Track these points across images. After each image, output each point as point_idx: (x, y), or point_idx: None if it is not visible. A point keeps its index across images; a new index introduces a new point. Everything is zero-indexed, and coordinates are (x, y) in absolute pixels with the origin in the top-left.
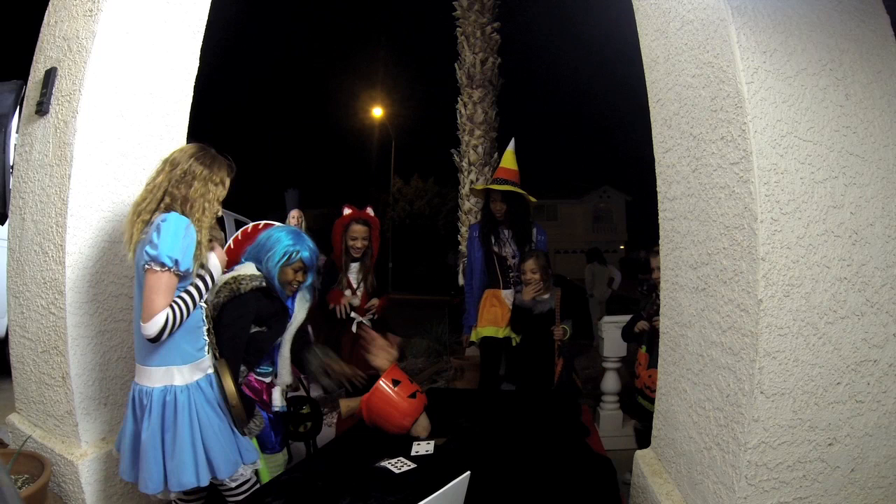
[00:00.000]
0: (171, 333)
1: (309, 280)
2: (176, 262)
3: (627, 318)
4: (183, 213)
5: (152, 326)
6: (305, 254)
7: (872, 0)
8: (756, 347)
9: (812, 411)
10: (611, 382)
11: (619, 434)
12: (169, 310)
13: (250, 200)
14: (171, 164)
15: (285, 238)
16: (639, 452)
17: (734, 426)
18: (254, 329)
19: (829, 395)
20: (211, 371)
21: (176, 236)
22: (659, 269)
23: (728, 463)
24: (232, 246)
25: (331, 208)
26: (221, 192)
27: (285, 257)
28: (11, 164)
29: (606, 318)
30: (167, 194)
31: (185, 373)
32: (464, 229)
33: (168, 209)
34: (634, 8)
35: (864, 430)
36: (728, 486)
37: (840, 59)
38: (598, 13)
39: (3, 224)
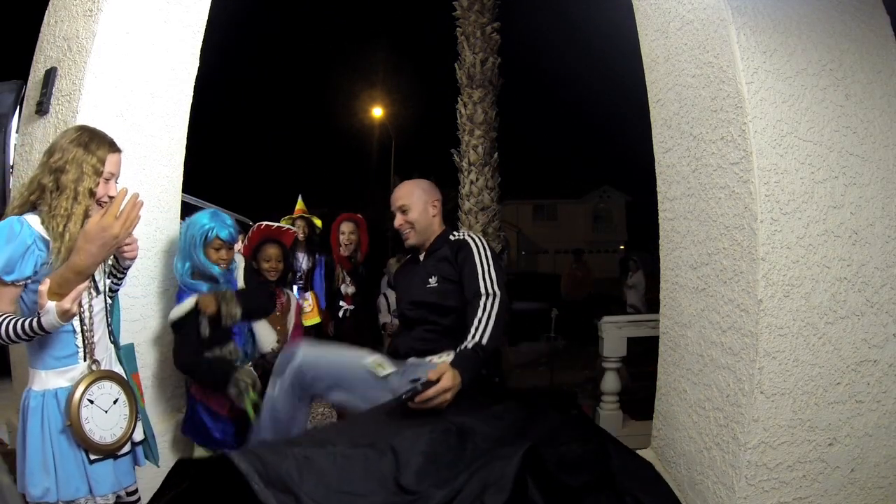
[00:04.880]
0: (3, 343)
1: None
2: None
3: (628, 318)
4: (50, 206)
5: None
6: (223, 232)
7: (872, 0)
8: (756, 347)
9: (812, 411)
10: (610, 382)
11: (619, 434)
12: None
13: (250, 200)
14: (48, 153)
15: (200, 220)
16: (639, 452)
17: (734, 426)
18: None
19: (829, 395)
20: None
21: (2, 244)
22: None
23: (728, 463)
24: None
25: (331, 208)
26: (98, 173)
27: (202, 238)
28: (11, 164)
29: (606, 318)
30: (38, 187)
31: (44, 378)
32: (464, 229)
33: (34, 206)
34: (634, 8)
35: (864, 430)
36: (728, 486)
37: (840, 59)
38: (598, 13)
39: None
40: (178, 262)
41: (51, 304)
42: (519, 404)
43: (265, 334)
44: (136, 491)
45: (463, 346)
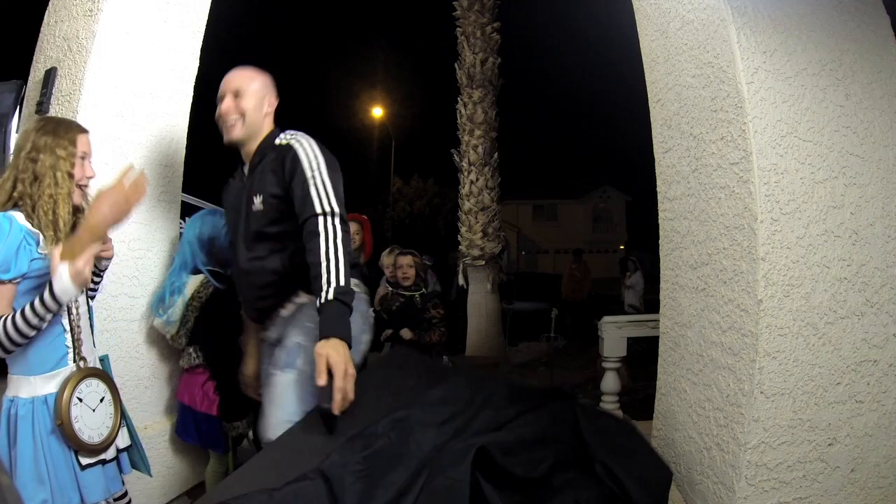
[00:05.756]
0: (12, 346)
1: None
2: None
3: (628, 318)
4: (32, 196)
5: None
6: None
7: (872, 0)
8: (756, 347)
9: (812, 411)
10: (610, 382)
11: None
12: (2, 320)
13: None
14: (17, 150)
15: (209, 223)
16: None
17: (734, 426)
18: None
19: (829, 396)
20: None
21: None
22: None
23: (728, 463)
24: None
25: None
26: (72, 154)
27: (210, 232)
28: None
29: (606, 318)
30: (17, 182)
31: (33, 384)
32: (464, 229)
33: (17, 202)
34: (634, 8)
35: (864, 430)
36: (728, 487)
37: (840, 59)
38: (598, 13)
39: None
40: (199, 253)
41: (63, 266)
42: (465, 381)
43: None
44: (125, 494)
45: (321, 301)
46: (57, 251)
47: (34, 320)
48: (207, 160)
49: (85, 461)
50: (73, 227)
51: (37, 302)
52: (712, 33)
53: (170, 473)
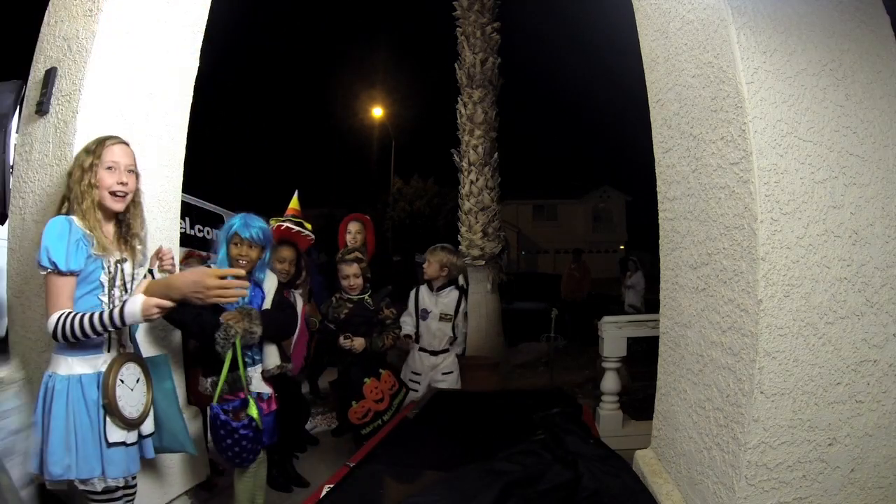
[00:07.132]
0: (65, 340)
1: (266, 256)
2: (54, 265)
3: (628, 318)
4: (71, 203)
5: (48, 326)
6: (243, 231)
7: (872, 0)
8: (756, 347)
9: (812, 411)
10: (610, 382)
11: (619, 434)
12: (63, 315)
13: (250, 201)
14: (68, 174)
15: (231, 220)
16: (639, 452)
17: (734, 426)
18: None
19: (829, 396)
20: (104, 370)
21: (57, 238)
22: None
23: (728, 463)
24: None
25: (331, 208)
26: (94, 165)
27: (226, 234)
28: (11, 164)
29: (606, 318)
30: (65, 191)
31: (70, 364)
32: (464, 229)
33: (67, 209)
34: (634, 8)
35: (864, 430)
36: (728, 486)
37: (840, 60)
38: (598, 13)
39: (2, 224)
40: (219, 251)
41: (140, 296)
42: (473, 468)
43: (269, 353)
44: (135, 486)
45: None
46: (145, 283)
47: (98, 327)
48: (207, 160)
49: (112, 439)
50: (122, 232)
51: (105, 316)
52: (712, 33)
53: (170, 473)
